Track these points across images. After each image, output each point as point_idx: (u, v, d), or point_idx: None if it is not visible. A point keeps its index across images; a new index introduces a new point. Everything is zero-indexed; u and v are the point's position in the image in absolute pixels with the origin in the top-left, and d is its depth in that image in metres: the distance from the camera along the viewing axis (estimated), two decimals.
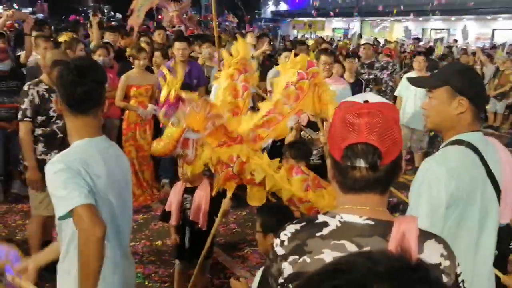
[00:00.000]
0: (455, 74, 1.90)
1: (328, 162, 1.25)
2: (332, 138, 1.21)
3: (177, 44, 5.42)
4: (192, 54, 6.31)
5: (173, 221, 3.37)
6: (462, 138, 1.83)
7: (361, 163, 1.13)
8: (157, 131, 5.59)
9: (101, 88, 1.97)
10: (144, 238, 4.58)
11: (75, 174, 1.77)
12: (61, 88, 1.90)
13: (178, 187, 3.47)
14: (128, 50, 5.54)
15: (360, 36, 17.80)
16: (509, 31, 23.10)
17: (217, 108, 2.69)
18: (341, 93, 4.39)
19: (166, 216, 3.46)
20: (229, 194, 3.06)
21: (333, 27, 30.79)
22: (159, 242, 4.48)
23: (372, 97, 1.21)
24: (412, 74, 6.76)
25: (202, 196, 3.35)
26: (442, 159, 1.81)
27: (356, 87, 6.07)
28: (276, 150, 4.46)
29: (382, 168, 1.14)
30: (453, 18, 24.45)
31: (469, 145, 1.80)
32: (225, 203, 3.13)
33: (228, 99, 3.14)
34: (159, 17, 16.07)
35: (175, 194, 3.43)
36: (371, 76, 7.03)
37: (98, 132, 1.98)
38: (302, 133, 4.33)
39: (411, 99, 6.58)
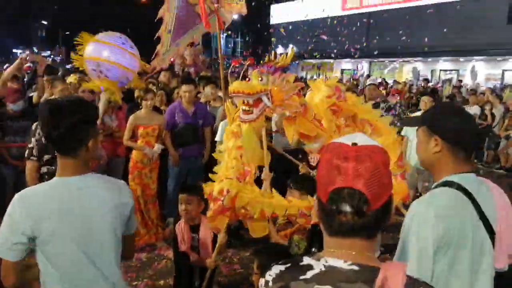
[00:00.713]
0: (433, 113, 1.91)
1: (315, 203, 1.23)
2: (319, 180, 1.19)
3: (184, 87, 5.59)
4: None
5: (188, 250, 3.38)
6: (452, 179, 1.79)
7: (347, 208, 1.11)
8: (164, 171, 5.68)
9: (81, 128, 1.90)
10: (146, 277, 4.55)
11: (14, 224, 1.83)
12: (41, 128, 1.97)
13: (182, 226, 3.48)
14: (136, 91, 5.70)
15: (368, 77, 18.00)
16: None
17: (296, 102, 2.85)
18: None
19: (183, 263, 3.44)
20: (222, 229, 3.08)
21: (342, 68, 31.22)
22: (162, 282, 4.45)
23: (361, 139, 1.19)
24: (418, 114, 6.81)
25: (207, 234, 3.37)
26: (429, 202, 1.76)
27: None
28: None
29: (369, 214, 1.12)
30: (462, 59, 24.64)
31: (459, 187, 1.75)
32: (220, 237, 3.15)
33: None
34: (171, 60, 16.47)
35: (183, 234, 3.44)
36: None
37: (77, 171, 1.93)
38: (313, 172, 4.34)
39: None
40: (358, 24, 28.68)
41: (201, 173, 5.37)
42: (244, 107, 2.72)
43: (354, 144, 1.16)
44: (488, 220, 1.76)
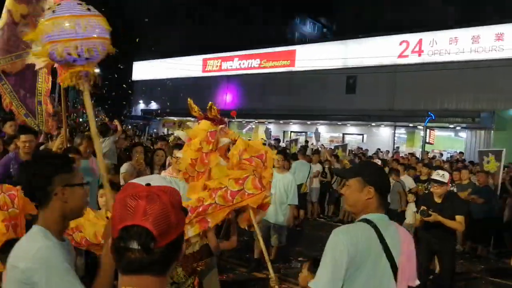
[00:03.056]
0: (366, 168, 2.47)
1: (108, 242, 1.27)
2: (112, 218, 1.22)
3: (23, 137, 5.24)
4: None
5: None
6: (367, 217, 2.27)
7: (134, 245, 1.15)
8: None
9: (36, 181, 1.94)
10: None
11: None
12: None
13: None
14: None
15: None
16: (355, 136, 26.40)
17: None
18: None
19: None
20: None
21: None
22: None
23: (156, 181, 1.27)
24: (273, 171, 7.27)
25: None
26: (345, 230, 2.24)
27: None
28: None
29: (157, 251, 1.16)
30: (308, 122, 27.18)
31: (370, 223, 2.23)
32: None
33: None
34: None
35: None
36: None
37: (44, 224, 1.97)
38: None
39: (272, 194, 6.82)
40: (218, 86, 30.17)
41: None
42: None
43: (148, 184, 1.24)
44: (391, 253, 2.20)
